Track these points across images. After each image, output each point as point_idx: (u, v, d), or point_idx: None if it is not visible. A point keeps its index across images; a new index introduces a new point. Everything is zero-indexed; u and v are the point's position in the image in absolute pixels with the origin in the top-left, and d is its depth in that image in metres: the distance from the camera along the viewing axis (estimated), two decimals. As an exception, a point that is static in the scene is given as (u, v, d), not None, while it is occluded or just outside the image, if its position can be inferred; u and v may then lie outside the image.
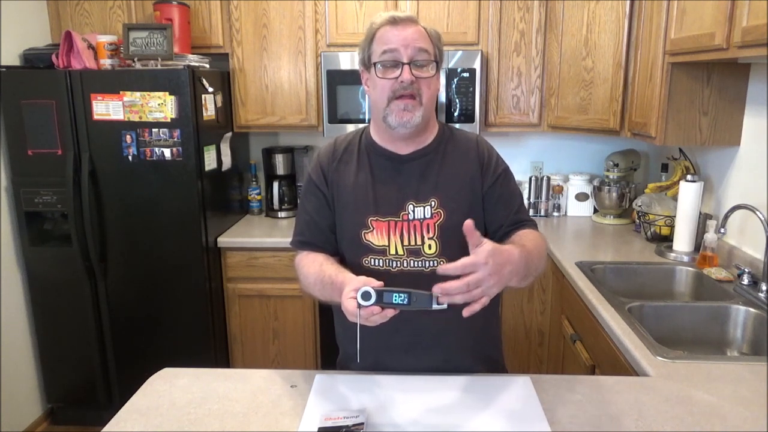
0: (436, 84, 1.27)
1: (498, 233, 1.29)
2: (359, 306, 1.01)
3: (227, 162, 2.72)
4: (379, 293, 1.01)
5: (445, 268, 0.99)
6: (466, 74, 2.58)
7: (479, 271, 0.96)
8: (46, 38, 2.70)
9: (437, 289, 0.97)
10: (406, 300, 1.01)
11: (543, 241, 1.29)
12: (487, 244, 0.99)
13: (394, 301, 1.01)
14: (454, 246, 1.26)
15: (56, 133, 2.37)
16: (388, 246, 1.27)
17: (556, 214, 2.97)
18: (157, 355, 2.55)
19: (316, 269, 1.25)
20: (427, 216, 1.26)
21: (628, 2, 2.23)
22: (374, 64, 1.23)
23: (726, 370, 1.28)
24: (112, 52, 2.45)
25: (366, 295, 1.01)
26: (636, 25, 2.21)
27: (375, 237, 1.27)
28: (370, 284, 1.03)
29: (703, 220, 2.12)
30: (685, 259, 2.09)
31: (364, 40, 1.27)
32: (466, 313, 0.98)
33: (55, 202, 2.44)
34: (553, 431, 1.04)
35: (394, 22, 1.22)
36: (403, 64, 1.20)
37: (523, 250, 1.09)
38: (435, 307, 1.00)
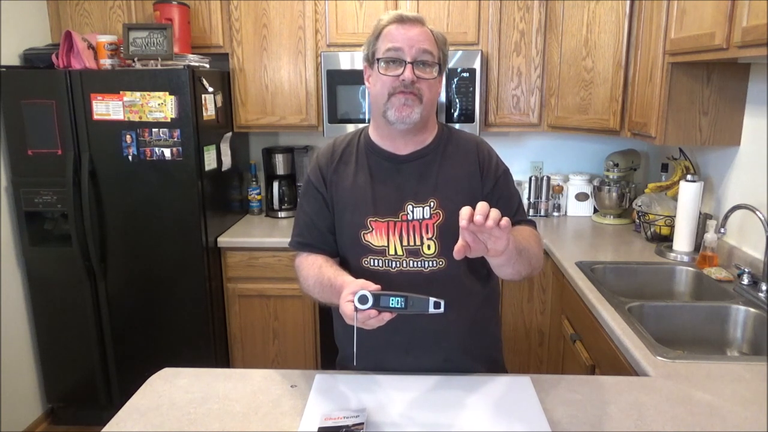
0: (437, 87, 1.27)
1: None
2: (356, 309, 1.01)
3: (227, 162, 2.72)
4: (376, 297, 1.01)
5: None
6: (466, 74, 2.58)
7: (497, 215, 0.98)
8: (46, 38, 2.70)
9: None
10: (403, 304, 1.01)
11: (538, 236, 1.31)
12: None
13: (390, 305, 1.01)
14: (453, 246, 1.26)
15: (56, 133, 2.37)
16: (388, 246, 1.27)
17: (556, 214, 2.97)
18: (157, 355, 2.55)
19: (316, 271, 1.26)
20: (426, 216, 1.26)
21: (628, 2, 2.23)
22: (377, 60, 1.24)
23: (726, 370, 1.28)
24: (112, 52, 2.45)
25: (363, 299, 1.01)
26: (636, 25, 2.21)
27: (374, 237, 1.27)
28: (368, 288, 1.03)
29: (703, 220, 2.12)
30: (685, 259, 2.09)
31: (370, 36, 1.28)
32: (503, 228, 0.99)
33: (55, 202, 2.44)
34: (553, 431, 1.04)
35: (401, 20, 1.23)
36: (406, 63, 1.21)
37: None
38: (432, 311, 1.01)
